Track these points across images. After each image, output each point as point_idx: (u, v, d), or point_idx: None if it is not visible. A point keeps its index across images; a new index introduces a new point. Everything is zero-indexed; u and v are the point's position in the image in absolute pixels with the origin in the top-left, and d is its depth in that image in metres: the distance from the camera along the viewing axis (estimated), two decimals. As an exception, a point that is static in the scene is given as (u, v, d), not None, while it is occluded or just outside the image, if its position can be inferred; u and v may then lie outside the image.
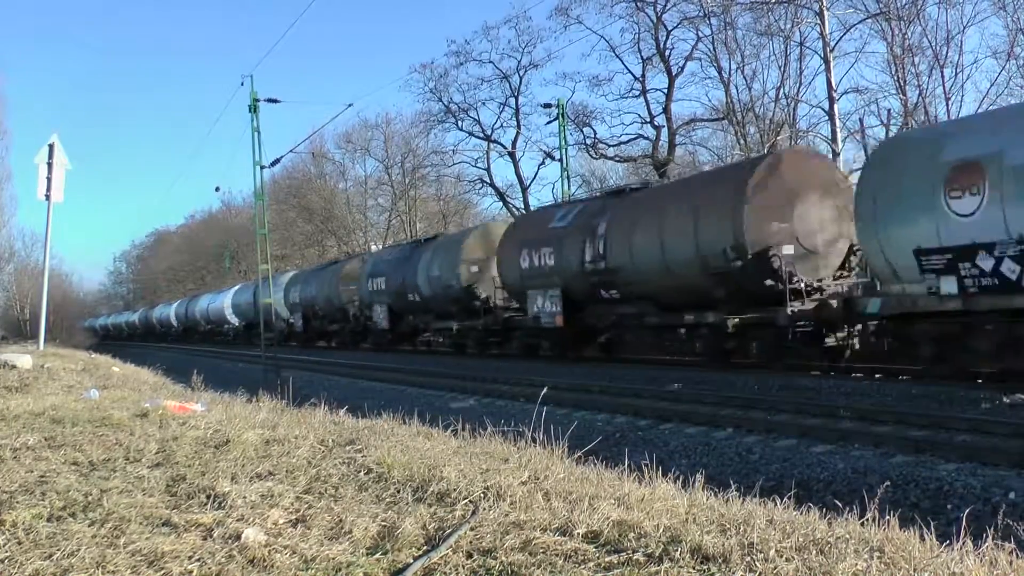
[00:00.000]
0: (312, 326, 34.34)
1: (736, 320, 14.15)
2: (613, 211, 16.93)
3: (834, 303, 12.63)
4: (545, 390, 7.38)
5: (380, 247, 43.51)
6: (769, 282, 13.16)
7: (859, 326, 12.81)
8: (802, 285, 13.10)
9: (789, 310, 12.93)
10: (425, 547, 3.02)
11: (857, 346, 13.13)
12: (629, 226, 16.14)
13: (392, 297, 26.80)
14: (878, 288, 12.07)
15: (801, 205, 13.76)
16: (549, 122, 33.54)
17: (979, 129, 10.76)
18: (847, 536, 3.01)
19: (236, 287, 48.43)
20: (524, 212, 35.35)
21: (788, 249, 13.41)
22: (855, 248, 13.72)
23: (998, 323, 10.01)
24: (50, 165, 15.42)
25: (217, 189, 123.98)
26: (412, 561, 2.85)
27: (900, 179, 10.92)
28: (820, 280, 13.64)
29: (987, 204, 9.70)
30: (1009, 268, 9.56)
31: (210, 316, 50.44)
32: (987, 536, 2.98)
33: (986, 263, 9.86)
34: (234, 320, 45.65)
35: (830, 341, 13.24)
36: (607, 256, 16.48)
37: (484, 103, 40.42)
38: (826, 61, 26.13)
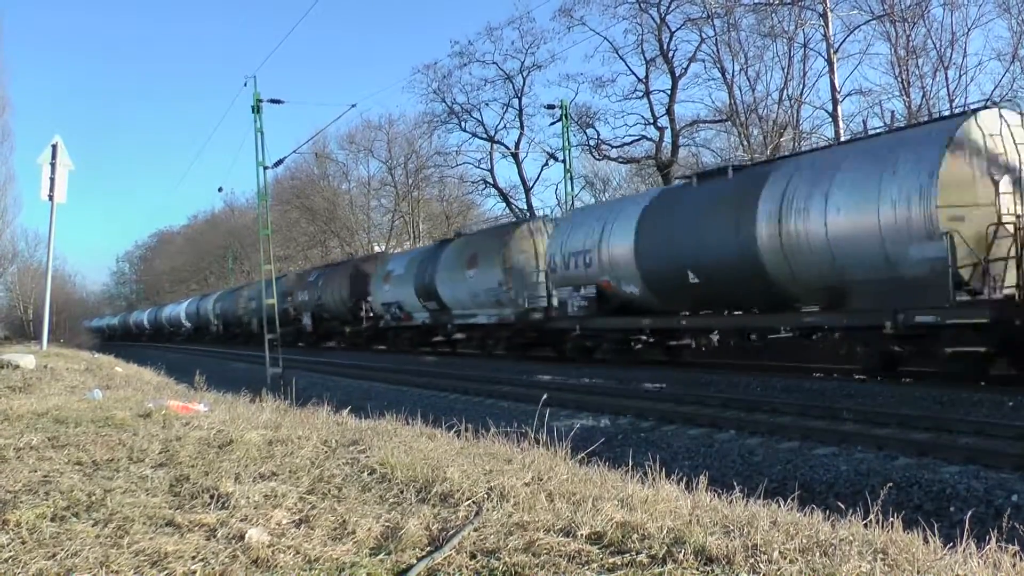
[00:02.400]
0: (229, 329, 51.00)
1: (351, 329, 33.09)
2: (325, 276, 35.82)
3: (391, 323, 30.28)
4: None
5: (383, 248, 44.77)
6: (361, 314, 31.46)
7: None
8: (385, 315, 29.73)
9: (365, 324, 31.36)
10: (429, 548, 3.02)
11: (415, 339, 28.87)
12: (327, 284, 34.83)
13: (260, 314, 42.38)
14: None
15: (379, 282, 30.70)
16: (552, 123, 33.69)
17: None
18: (851, 538, 3.00)
19: (188, 300, 64.40)
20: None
21: (372, 300, 30.79)
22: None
23: (432, 330, 26.77)
24: (53, 166, 15.46)
25: (220, 190, 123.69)
26: (416, 562, 2.85)
27: (380, 274, 30.07)
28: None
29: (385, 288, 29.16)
30: (422, 314, 27.13)
31: (171, 320, 65.72)
32: (990, 538, 2.98)
33: (403, 309, 27.85)
34: (187, 324, 61.23)
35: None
36: (321, 298, 35.25)
37: (487, 104, 40.46)
38: (830, 63, 26.11)
